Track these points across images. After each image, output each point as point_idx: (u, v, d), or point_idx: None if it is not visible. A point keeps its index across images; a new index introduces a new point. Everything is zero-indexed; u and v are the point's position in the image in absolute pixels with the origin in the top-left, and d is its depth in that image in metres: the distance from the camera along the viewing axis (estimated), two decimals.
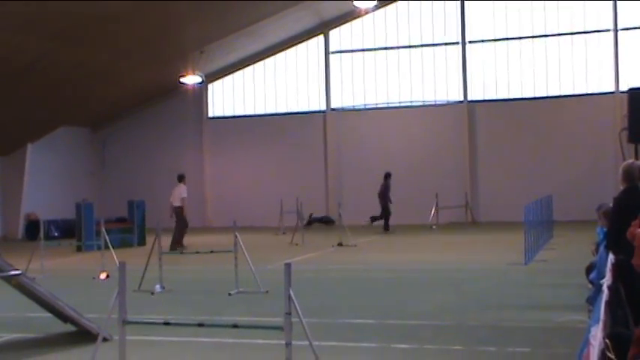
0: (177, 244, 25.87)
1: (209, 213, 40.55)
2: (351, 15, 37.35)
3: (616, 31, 35.10)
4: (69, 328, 11.51)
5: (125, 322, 8.32)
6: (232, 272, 15.89)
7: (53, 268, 21.10)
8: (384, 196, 32.03)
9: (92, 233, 27.28)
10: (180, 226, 26.44)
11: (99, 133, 42.43)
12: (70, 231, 31.12)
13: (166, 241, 18.16)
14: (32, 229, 33.06)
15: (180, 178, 27.06)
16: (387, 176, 32.49)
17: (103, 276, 18.81)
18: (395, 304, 14.12)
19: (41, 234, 20.65)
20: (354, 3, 32.93)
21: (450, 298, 14.73)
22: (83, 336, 11.05)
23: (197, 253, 20.08)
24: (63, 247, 26.95)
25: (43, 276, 18.28)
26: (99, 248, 20.74)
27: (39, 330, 12.08)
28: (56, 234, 33.74)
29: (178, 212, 26.39)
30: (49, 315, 11.60)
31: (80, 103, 36.82)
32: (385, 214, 32.00)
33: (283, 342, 7.72)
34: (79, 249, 27.75)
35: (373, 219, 32.79)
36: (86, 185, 39.85)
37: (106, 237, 19.94)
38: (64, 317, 11.31)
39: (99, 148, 42.35)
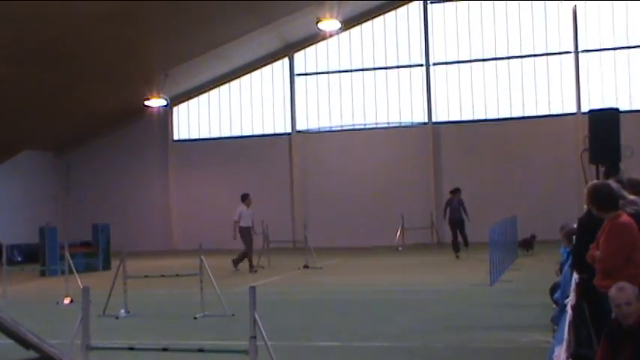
0: (249, 265, 25.58)
1: (175, 236, 40.37)
2: (316, 37, 37.47)
3: (577, 53, 35.59)
4: (31, 354, 11.34)
5: (89, 348, 8.24)
6: (198, 296, 15.79)
7: (16, 293, 20.85)
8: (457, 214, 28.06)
9: (56, 258, 26.99)
10: (247, 248, 25.80)
11: (63, 157, 42.12)
12: (34, 256, 30.74)
13: (131, 264, 17.99)
14: None
15: (242, 198, 26.64)
16: (457, 191, 28.84)
17: (66, 301, 18.61)
18: (361, 326, 14.10)
19: (3, 259, 20.42)
20: (319, 25, 33.06)
21: (415, 320, 14.75)
22: None
23: (162, 276, 19.94)
24: (26, 272, 26.67)
25: (5, 301, 18.07)
26: (63, 273, 20.52)
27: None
28: (19, 259, 33.34)
29: (242, 233, 25.82)
30: (11, 342, 11.45)
31: (44, 127, 36.55)
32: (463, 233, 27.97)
33: None
34: (42, 274, 27.44)
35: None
36: (50, 209, 39.46)
37: (70, 261, 19.74)
38: (26, 344, 11.15)
39: (63, 171, 42.03)
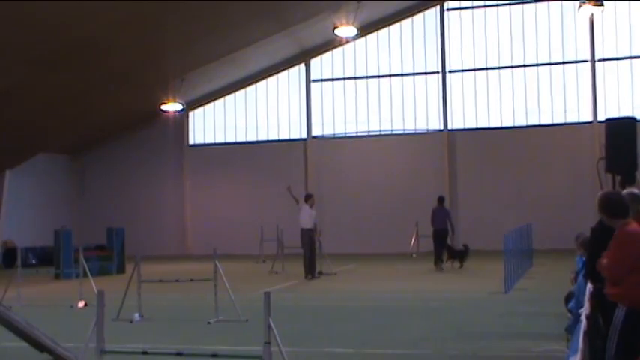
0: (307, 272, 24.84)
1: (189, 241, 40.44)
2: (332, 43, 37.51)
3: (593, 61, 35.47)
4: (46, 357, 11.36)
5: (103, 352, 8.26)
6: (212, 300, 15.81)
7: (31, 296, 20.92)
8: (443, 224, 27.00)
9: (71, 261, 27.12)
10: (304, 251, 25.02)
11: (78, 161, 42.29)
12: (49, 258, 30.90)
13: (145, 268, 18.01)
14: (10, 256, 32.82)
15: (306, 198, 25.85)
16: (442, 200, 28.22)
17: (81, 304, 18.68)
18: (374, 333, 14.08)
19: (19, 261, 20.47)
20: (335, 32, 33.08)
21: (429, 327, 14.71)
22: None
23: (177, 281, 19.98)
24: (41, 274, 26.73)
25: (20, 304, 18.12)
26: (77, 276, 20.57)
27: None
28: (34, 261, 33.50)
29: (303, 235, 25.01)
30: (25, 344, 11.47)
31: (59, 130, 36.71)
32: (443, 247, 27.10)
33: None
34: (57, 277, 27.55)
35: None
36: (65, 212, 39.62)
37: (85, 265, 19.80)
38: (40, 347, 11.16)
39: (78, 175, 42.20)
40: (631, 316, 7.27)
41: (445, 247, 27.01)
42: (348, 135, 39.04)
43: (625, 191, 9.16)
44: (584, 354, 7.21)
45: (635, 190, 8.56)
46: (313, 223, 25.47)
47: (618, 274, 7.60)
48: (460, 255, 27.02)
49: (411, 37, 38.11)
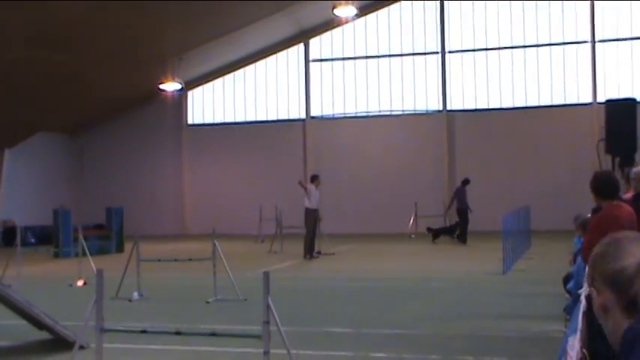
0: (305, 252, 24.77)
1: (187, 220, 40.47)
2: (332, 23, 37.39)
3: (593, 42, 35.39)
4: (45, 335, 11.41)
5: (102, 330, 8.27)
6: (211, 280, 15.82)
7: (30, 274, 20.94)
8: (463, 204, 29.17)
9: (69, 240, 27.16)
10: (307, 231, 24.87)
11: (77, 140, 42.24)
12: (48, 238, 30.94)
13: (144, 247, 18.00)
14: (9, 235, 32.84)
15: (312, 179, 25.63)
16: (466, 182, 29.93)
17: (80, 283, 18.70)
18: (373, 313, 14.10)
19: (18, 240, 20.49)
20: (335, 11, 32.97)
21: (427, 308, 14.74)
22: (59, 344, 10.95)
23: (176, 260, 19.99)
24: (40, 253, 26.78)
25: (19, 283, 18.12)
26: (76, 255, 20.62)
27: (14, 337, 11.97)
28: (33, 240, 33.52)
29: (307, 215, 24.72)
30: (25, 322, 11.50)
31: (58, 109, 36.65)
32: (462, 223, 29.42)
33: (261, 350, 7.69)
34: (56, 256, 27.60)
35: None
36: (64, 192, 39.61)
37: (84, 244, 19.84)
38: (39, 325, 11.21)
39: (77, 154, 42.16)
40: None
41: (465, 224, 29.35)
42: (347, 115, 38.99)
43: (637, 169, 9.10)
44: (583, 334, 7.20)
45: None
46: (317, 204, 25.30)
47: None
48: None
49: (411, 17, 37.99)
